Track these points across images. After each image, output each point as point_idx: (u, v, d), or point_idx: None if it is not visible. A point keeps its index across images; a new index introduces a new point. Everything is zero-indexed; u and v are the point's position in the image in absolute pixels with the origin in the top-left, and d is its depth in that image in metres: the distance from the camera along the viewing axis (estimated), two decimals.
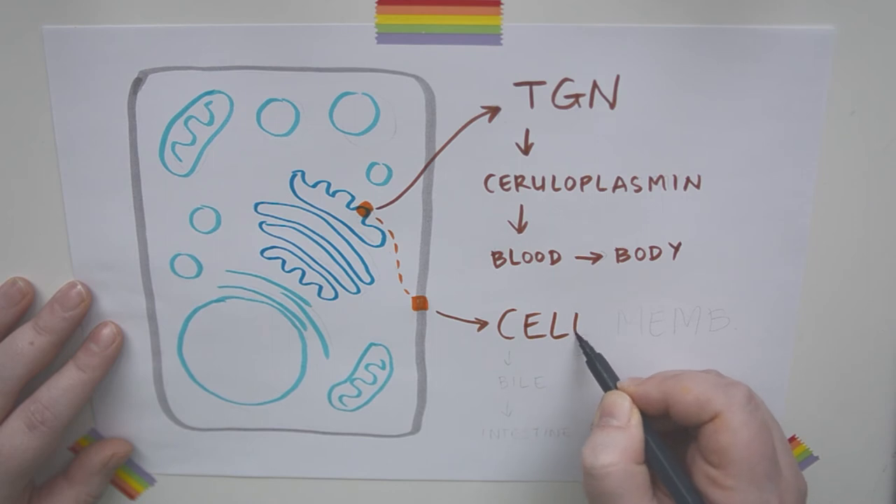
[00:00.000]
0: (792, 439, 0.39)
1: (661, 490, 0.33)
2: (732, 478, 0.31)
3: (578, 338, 0.38)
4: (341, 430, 0.40)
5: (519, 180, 0.36)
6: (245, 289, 0.37)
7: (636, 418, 0.34)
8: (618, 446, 0.32)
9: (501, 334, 0.38)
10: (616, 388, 0.35)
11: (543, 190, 0.36)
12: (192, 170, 0.36)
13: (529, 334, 0.38)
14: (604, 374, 0.36)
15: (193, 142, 0.35)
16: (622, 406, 0.34)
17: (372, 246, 0.37)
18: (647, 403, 0.34)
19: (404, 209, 0.36)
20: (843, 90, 0.34)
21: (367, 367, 0.39)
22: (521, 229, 0.36)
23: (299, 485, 0.41)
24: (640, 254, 0.37)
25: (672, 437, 0.35)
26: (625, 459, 0.32)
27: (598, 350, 0.37)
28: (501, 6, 0.33)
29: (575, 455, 0.40)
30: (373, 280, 0.37)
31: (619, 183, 0.36)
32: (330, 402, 0.40)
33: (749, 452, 0.31)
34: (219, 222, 0.37)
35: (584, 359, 0.37)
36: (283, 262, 0.37)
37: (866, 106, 0.35)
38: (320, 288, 0.38)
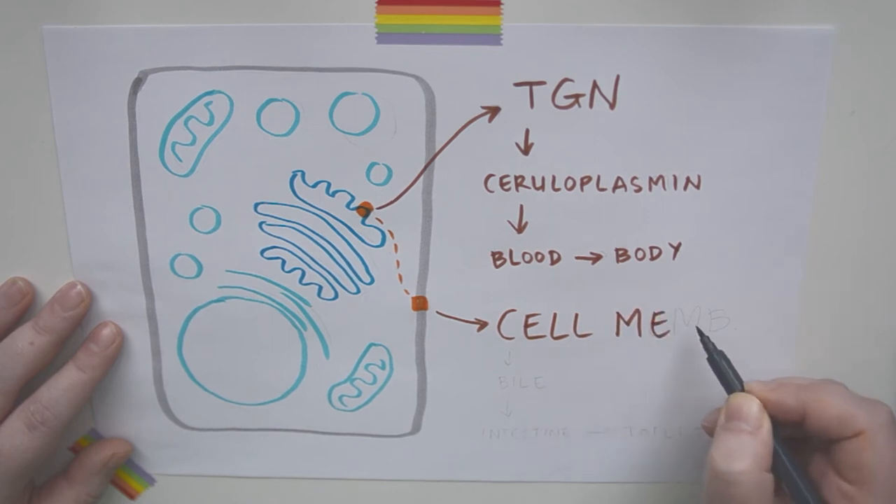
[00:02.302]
0: None
1: (780, 498, 0.33)
2: (871, 496, 0.31)
3: (700, 333, 0.37)
4: (341, 430, 0.40)
5: (519, 180, 0.36)
6: (245, 289, 0.37)
7: (767, 424, 0.33)
8: (751, 453, 0.32)
9: (501, 334, 0.38)
10: (742, 389, 0.35)
11: (543, 190, 0.36)
12: (192, 170, 0.36)
13: (529, 334, 0.38)
14: (729, 374, 0.35)
15: (193, 142, 0.35)
16: (751, 410, 0.33)
17: (372, 246, 0.37)
18: (781, 411, 0.34)
19: (404, 209, 0.36)
20: (843, 90, 0.34)
21: (367, 367, 0.39)
22: (521, 229, 0.36)
23: (299, 485, 0.41)
24: (640, 254, 0.37)
25: (791, 443, 0.34)
26: (757, 467, 0.32)
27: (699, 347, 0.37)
28: (501, 6, 0.33)
29: (573, 455, 0.40)
30: (373, 280, 0.37)
31: (619, 183, 0.36)
32: (330, 402, 0.40)
33: (892, 473, 0.31)
34: (219, 222, 0.37)
35: (706, 356, 0.36)
36: (283, 262, 0.37)
37: (866, 106, 0.35)
38: (320, 288, 0.38)
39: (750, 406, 0.34)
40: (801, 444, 0.35)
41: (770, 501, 0.32)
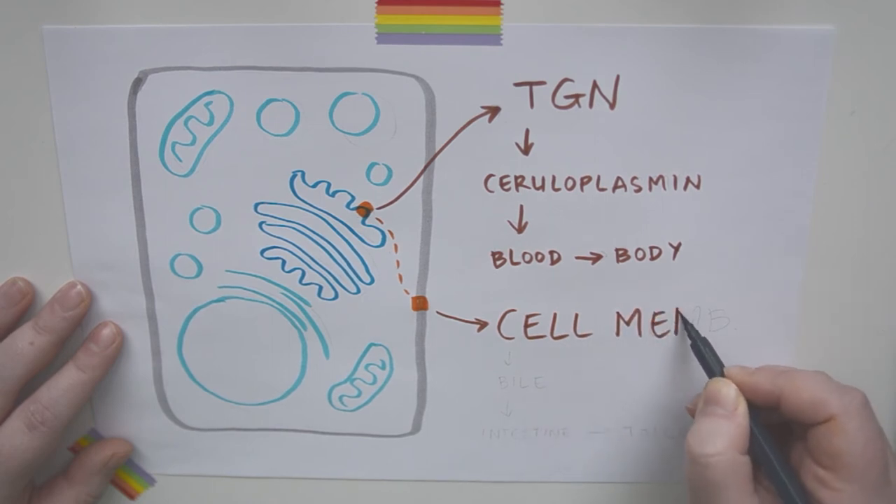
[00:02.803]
0: None
1: (760, 482, 0.33)
2: (843, 481, 0.31)
3: (684, 320, 0.37)
4: (341, 430, 0.40)
5: (519, 180, 0.36)
6: (245, 289, 0.37)
7: (742, 407, 0.34)
8: (724, 435, 0.32)
9: (501, 334, 0.38)
10: (722, 374, 0.35)
11: (543, 190, 0.36)
12: (192, 170, 0.36)
13: (529, 335, 0.38)
14: (709, 360, 0.36)
15: (193, 142, 0.35)
16: (728, 394, 0.34)
17: (372, 246, 0.37)
18: (756, 395, 0.34)
19: (404, 209, 0.36)
20: (843, 90, 0.34)
21: (367, 367, 0.39)
22: (521, 229, 0.36)
23: (299, 485, 0.41)
24: (640, 254, 0.37)
25: (772, 429, 0.35)
26: (731, 449, 0.32)
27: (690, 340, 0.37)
28: (501, 6, 0.33)
29: (573, 455, 0.40)
30: (373, 280, 0.37)
31: (619, 183, 0.36)
32: (330, 402, 0.40)
33: (863, 458, 0.31)
34: (219, 222, 0.37)
35: (689, 342, 0.37)
36: (283, 262, 0.37)
37: (866, 106, 0.35)
38: (320, 288, 0.38)
39: (728, 390, 0.34)
40: (783, 432, 0.35)
41: (748, 484, 0.32)
